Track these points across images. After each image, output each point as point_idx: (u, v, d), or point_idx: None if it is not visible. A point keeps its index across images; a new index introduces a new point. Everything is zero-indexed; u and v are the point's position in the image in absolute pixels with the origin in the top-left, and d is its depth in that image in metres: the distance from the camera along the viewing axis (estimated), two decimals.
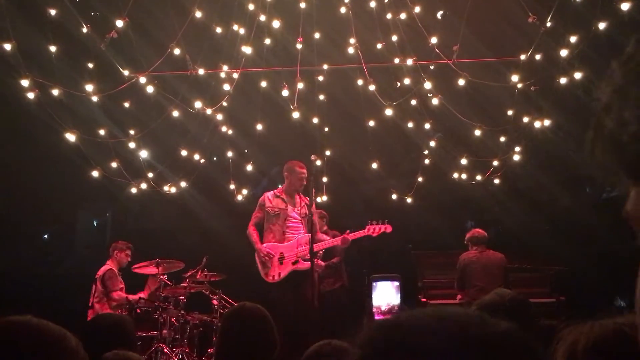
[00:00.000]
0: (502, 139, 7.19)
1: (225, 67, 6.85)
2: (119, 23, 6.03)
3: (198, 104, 6.88)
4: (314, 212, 6.21)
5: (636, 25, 5.82)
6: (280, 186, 6.72)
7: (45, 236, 10.53)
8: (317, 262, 7.05)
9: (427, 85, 6.66)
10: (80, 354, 1.48)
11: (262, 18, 6.45)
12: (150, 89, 6.60)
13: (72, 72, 6.74)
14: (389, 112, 6.78)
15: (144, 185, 7.02)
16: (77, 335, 1.53)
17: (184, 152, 7.30)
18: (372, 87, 6.72)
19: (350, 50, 6.62)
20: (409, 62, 6.61)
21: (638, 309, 0.64)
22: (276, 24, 6.41)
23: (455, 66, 6.50)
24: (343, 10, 6.43)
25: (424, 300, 7.88)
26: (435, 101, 6.82)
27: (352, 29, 6.46)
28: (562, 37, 6.23)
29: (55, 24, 6.12)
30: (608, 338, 1.30)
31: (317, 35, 6.60)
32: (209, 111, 6.95)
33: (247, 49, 6.49)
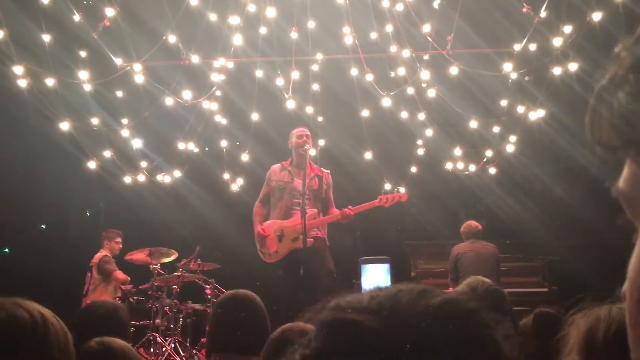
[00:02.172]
0: (496, 129, 7.20)
1: (219, 57, 6.80)
2: (111, 11, 5.98)
3: (191, 94, 6.84)
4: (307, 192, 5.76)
5: (630, 16, 5.82)
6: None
7: (38, 226, 10.49)
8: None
9: (425, 75, 6.64)
10: (38, 332, 1.46)
11: (256, 7, 6.41)
12: (142, 78, 6.56)
13: (65, 61, 6.69)
14: (386, 102, 6.75)
15: (138, 176, 7.00)
16: (72, 324, 1.52)
17: (178, 142, 7.26)
18: (369, 77, 6.68)
19: (346, 39, 6.58)
20: (406, 53, 6.56)
21: (628, 282, 0.64)
22: (270, 12, 6.37)
23: (449, 56, 6.49)
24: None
25: None
26: (431, 92, 6.81)
27: (346, 18, 6.43)
28: (556, 27, 6.23)
29: (47, 11, 6.06)
30: None
31: (311, 25, 6.56)
32: (205, 104, 6.92)
33: (240, 38, 6.45)
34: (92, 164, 6.67)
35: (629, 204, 0.63)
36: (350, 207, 6.00)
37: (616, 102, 0.59)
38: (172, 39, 6.41)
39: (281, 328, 2.47)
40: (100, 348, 2.16)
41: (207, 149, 7.93)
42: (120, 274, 7.20)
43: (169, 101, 6.78)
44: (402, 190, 7.22)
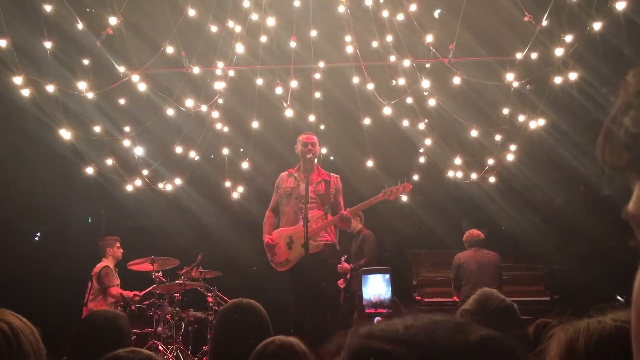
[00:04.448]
0: (498, 137, 7.20)
1: (220, 65, 6.84)
2: (114, 20, 6.01)
3: (193, 102, 6.87)
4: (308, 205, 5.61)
5: (631, 26, 5.85)
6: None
7: (39, 234, 10.50)
8: (344, 264, 7.38)
9: (425, 84, 6.66)
10: (13, 346, 1.47)
11: (258, 16, 6.45)
12: (145, 87, 6.59)
13: (67, 70, 6.72)
14: (387, 110, 6.77)
15: (138, 183, 7.01)
16: (73, 333, 1.53)
17: (179, 150, 7.28)
18: (370, 86, 6.70)
19: (348, 48, 6.62)
20: (406, 62, 6.59)
21: (634, 309, 0.65)
22: (271, 21, 6.41)
23: (451, 65, 6.51)
24: (339, 8, 6.43)
25: (419, 298, 7.90)
26: (431, 101, 6.83)
27: (348, 27, 6.46)
28: (557, 36, 6.25)
29: (50, 20, 6.09)
30: (611, 336, 1.28)
31: (313, 34, 6.59)
32: (204, 108, 6.95)
33: (241, 47, 6.49)
34: (89, 170, 6.67)
35: (637, 225, 0.64)
36: (348, 209, 5.90)
37: (623, 126, 0.62)
38: (174, 47, 6.44)
39: (262, 343, 2.44)
40: (133, 356, 2.16)
41: (212, 156, 7.93)
42: (115, 291, 7.15)
43: (170, 110, 6.80)
44: (404, 198, 7.21)
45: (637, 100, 0.61)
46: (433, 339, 0.67)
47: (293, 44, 6.54)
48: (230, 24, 6.50)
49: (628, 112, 0.62)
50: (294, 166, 6.22)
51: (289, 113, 6.83)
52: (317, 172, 6.06)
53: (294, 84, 6.79)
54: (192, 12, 6.29)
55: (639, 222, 0.65)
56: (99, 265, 7.26)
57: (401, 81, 6.84)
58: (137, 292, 7.22)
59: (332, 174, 6.18)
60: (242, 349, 2.84)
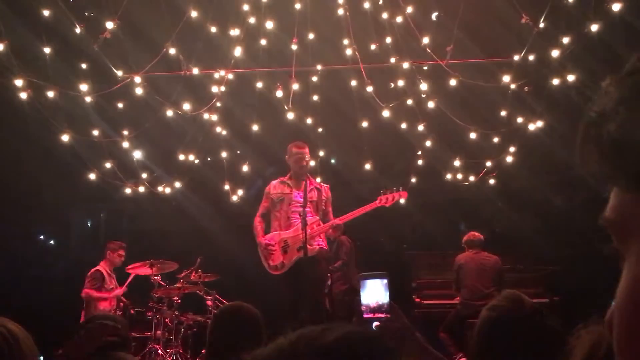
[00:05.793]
0: (496, 139, 7.20)
1: (220, 69, 6.83)
2: (112, 24, 6.01)
3: (192, 105, 6.87)
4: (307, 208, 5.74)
5: (627, 27, 5.86)
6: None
7: (39, 237, 10.49)
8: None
9: (423, 86, 6.67)
10: (13, 349, 1.54)
11: (257, 19, 6.45)
12: (143, 90, 6.58)
13: (66, 73, 6.72)
14: (386, 113, 6.78)
15: (141, 189, 7.01)
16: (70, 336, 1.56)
17: (178, 153, 7.27)
18: (370, 89, 6.71)
19: (347, 51, 6.62)
20: (405, 65, 6.60)
21: (617, 317, 0.65)
22: (270, 24, 6.41)
23: (448, 67, 6.51)
24: (338, 11, 6.44)
25: (418, 300, 7.89)
26: (430, 104, 6.83)
27: (346, 29, 6.47)
28: (555, 38, 6.26)
29: (49, 24, 6.09)
30: None
31: (311, 36, 6.60)
32: (205, 116, 6.95)
33: (240, 50, 6.49)
34: (92, 175, 6.68)
35: (616, 231, 0.64)
36: (342, 217, 5.95)
37: (606, 133, 0.61)
38: (172, 50, 6.44)
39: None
40: None
41: (209, 159, 7.93)
42: (84, 294, 7.11)
43: (169, 112, 6.80)
44: (402, 201, 7.21)
45: (622, 106, 0.61)
46: (293, 350, 0.72)
47: (294, 47, 6.54)
48: (230, 27, 6.50)
49: (613, 118, 0.61)
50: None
51: (290, 116, 6.83)
52: (309, 180, 6.11)
53: (295, 86, 6.79)
54: (193, 14, 6.29)
55: (615, 228, 0.65)
56: (93, 269, 7.26)
57: (400, 82, 6.85)
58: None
59: (322, 184, 6.24)
60: (234, 348, 2.86)
